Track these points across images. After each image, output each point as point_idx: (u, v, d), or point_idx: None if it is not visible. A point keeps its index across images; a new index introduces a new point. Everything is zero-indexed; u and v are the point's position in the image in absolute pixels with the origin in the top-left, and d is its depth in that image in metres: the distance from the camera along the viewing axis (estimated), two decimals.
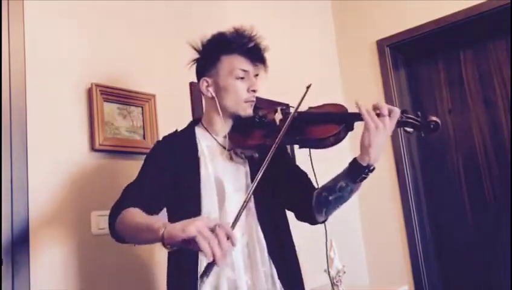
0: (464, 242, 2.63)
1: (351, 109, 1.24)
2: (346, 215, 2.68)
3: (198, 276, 1.15)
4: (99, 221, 1.53)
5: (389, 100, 2.73)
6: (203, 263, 1.17)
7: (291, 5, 2.70)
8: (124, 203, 1.17)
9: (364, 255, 2.80)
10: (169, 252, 1.24)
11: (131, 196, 1.20)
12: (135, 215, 1.08)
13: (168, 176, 1.25)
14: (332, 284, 2.13)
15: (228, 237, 0.88)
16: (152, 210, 1.12)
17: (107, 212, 1.54)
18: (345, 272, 2.17)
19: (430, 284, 2.60)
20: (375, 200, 2.74)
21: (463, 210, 2.65)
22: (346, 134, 1.22)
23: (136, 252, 1.61)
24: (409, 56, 2.86)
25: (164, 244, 0.93)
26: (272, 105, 2.20)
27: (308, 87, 1.26)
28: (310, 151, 1.30)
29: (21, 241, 1.36)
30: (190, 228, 0.87)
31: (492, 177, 2.58)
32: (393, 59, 2.79)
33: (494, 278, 2.53)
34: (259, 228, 1.25)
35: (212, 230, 0.88)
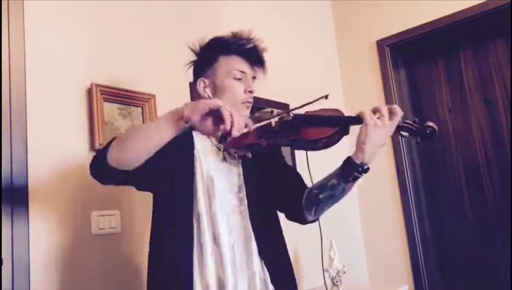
0: (464, 242, 2.63)
1: (350, 112, 1.22)
2: (346, 215, 2.68)
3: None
4: (99, 221, 1.54)
5: (389, 100, 2.73)
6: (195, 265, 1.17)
7: (291, 5, 2.70)
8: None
9: (364, 255, 2.80)
10: (154, 258, 1.24)
11: None
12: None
13: (161, 156, 1.11)
14: (333, 283, 2.14)
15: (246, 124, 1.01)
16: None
17: (107, 212, 1.56)
18: (345, 272, 2.17)
19: (430, 284, 2.60)
20: (375, 200, 2.75)
21: (463, 210, 2.65)
22: (340, 137, 1.19)
23: (136, 252, 1.61)
24: (409, 56, 2.85)
25: (183, 120, 1.02)
26: (271, 105, 2.21)
27: (325, 97, 1.19)
28: (306, 153, 1.27)
29: (21, 241, 1.35)
30: (217, 100, 1.02)
31: (492, 177, 2.58)
32: (393, 59, 2.78)
33: (494, 278, 2.53)
34: (251, 229, 1.23)
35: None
